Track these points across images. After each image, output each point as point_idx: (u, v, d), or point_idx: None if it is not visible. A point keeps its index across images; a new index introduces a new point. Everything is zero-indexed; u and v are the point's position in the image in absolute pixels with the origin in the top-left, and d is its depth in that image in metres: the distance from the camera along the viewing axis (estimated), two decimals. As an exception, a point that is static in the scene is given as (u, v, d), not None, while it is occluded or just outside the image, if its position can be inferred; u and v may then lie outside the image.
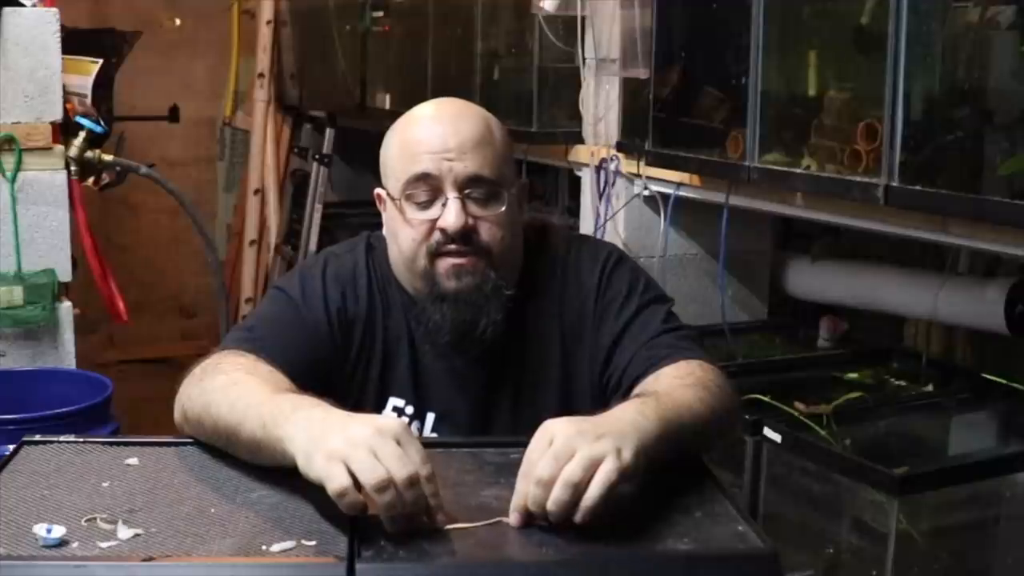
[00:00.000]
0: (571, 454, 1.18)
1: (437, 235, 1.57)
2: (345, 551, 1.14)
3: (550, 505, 1.17)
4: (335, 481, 1.16)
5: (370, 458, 1.16)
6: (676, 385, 1.45)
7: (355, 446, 1.17)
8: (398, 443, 1.18)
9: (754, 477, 2.25)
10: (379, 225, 1.69)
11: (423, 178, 1.56)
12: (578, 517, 1.17)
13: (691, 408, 1.39)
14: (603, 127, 3.02)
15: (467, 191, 1.56)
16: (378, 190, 1.66)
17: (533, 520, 1.20)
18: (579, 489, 1.17)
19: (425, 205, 1.57)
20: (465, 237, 1.56)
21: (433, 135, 1.58)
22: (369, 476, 1.15)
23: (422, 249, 1.58)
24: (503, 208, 1.58)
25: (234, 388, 1.40)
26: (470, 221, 1.56)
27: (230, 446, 1.38)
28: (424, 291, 1.60)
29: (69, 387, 2.61)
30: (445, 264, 1.57)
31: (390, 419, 1.23)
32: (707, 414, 1.41)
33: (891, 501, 1.97)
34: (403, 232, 1.60)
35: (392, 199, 1.61)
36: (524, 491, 1.19)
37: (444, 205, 1.56)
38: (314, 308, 1.62)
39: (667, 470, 1.34)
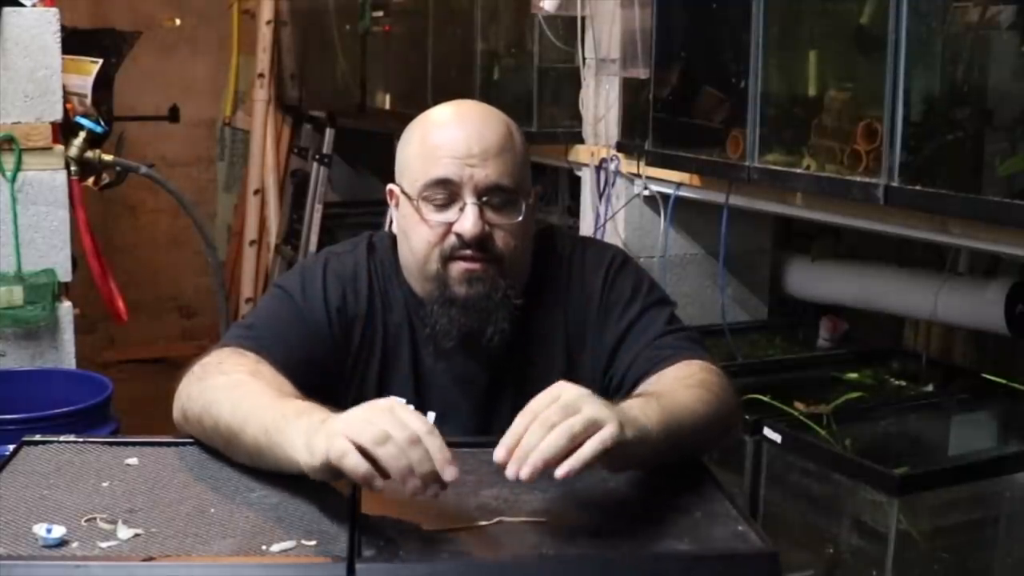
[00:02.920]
0: (577, 410, 1.20)
1: (452, 239, 1.56)
2: (345, 551, 1.14)
3: (544, 445, 1.17)
4: (336, 448, 1.17)
5: (367, 423, 1.18)
6: (678, 386, 1.45)
7: (351, 421, 1.20)
8: (392, 412, 1.20)
9: (754, 477, 2.25)
10: (379, 225, 1.69)
11: (443, 183, 1.55)
12: (560, 471, 1.17)
13: (692, 409, 1.39)
14: (603, 127, 3.02)
15: (485, 198, 1.55)
16: (391, 186, 1.65)
17: (510, 460, 1.18)
18: (575, 443, 1.18)
19: (442, 208, 1.56)
20: (480, 244, 1.55)
21: (457, 139, 1.56)
22: (367, 436, 1.16)
23: (435, 252, 1.57)
24: (520, 217, 1.57)
25: (236, 390, 1.40)
26: (486, 228, 1.55)
27: (230, 447, 1.38)
28: (434, 293, 1.59)
29: (69, 387, 2.61)
30: (458, 268, 1.56)
31: (380, 399, 1.24)
32: (708, 415, 1.41)
33: (891, 501, 1.97)
34: (417, 232, 1.58)
35: (408, 198, 1.59)
36: (521, 426, 1.20)
37: (462, 210, 1.55)
38: (314, 306, 1.62)
39: (667, 470, 1.34)
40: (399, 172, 1.64)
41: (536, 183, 1.68)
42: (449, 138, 1.57)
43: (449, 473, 1.17)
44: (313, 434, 1.22)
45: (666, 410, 1.34)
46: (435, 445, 1.17)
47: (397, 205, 1.64)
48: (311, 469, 1.22)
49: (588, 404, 1.21)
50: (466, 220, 1.54)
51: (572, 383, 1.25)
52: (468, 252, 1.55)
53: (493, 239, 1.56)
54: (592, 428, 1.19)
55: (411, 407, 1.21)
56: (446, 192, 1.55)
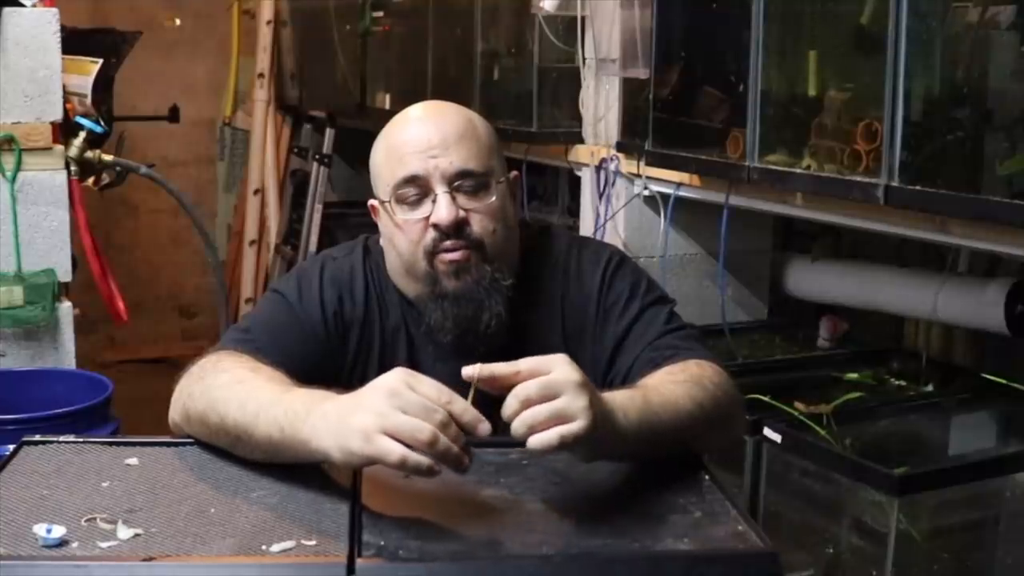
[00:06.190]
0: (555, 395, 1.21)
1: (431, 232, 1.57)
2: (345, 551, 1.14)
3: (512, 425, 1.21)
4: (391, 455, 1.17)
5: (402, 416, 1.18)
6: (667, 381, 1.45)
7: (383, 415, 1.19)
8: (411, 388, 1.21)
9: (754, 477, 2.25)
10: (378, 226, 1.69)
11: (411, 180, 1.57)
12: (530, 443, 1.20)
13: (678, 406, 1.39)
14: (603, 127, 3.02)
15: (456, 184, 1.57)
16: (371, 201, 1.67)
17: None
18: (532, 432, 1.20)
19: (415, 205, 1.58)
20: (458, 230, 1.57)
21: (417, 135, 1.59)
22: (415, 438, 1.17)
23: (419, 250, 1.58)
24: (493, 199, 1.59)
25: (240, 387, 1.40)
26: (461, 213, 1.57)
27: (239, 443, 1.37)
28: (425, 293, 1.60)
29: (69, 387, 2.61)
30: (443, 261, 1.57)
31: (387, 376, 1.24)
32: (696, 412, 1.40)
33: (891, 501, 1.97)
34: (398, 236, 1.60)
35: (385, 204, 1.61)
36: (509, 373, 1.23)
37: (434, 202, 1.56)
38: (310, 311, 1.63)
39: (667, 470, 1.34)
40: (374, 185, 1.66)
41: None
42: (409, 136, 1.60)
43: (482, 431, 1.21)
44: (342, 434, 1.21)
45: (650, 404, 1.34)
46: (461, 407, 1.21)
47: (379, 218, 1.66)
48: (347, 466, 1.25)
49: (569, 392, 1.21)
50: (440, 209, 1.56)
51: (575, 365, 1.25)
52: (448, 243, 1.57)
53: (470, 223, 1.57)
54: (557, 421, 1.20)
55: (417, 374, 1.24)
56: (417, 188, 1.58)
